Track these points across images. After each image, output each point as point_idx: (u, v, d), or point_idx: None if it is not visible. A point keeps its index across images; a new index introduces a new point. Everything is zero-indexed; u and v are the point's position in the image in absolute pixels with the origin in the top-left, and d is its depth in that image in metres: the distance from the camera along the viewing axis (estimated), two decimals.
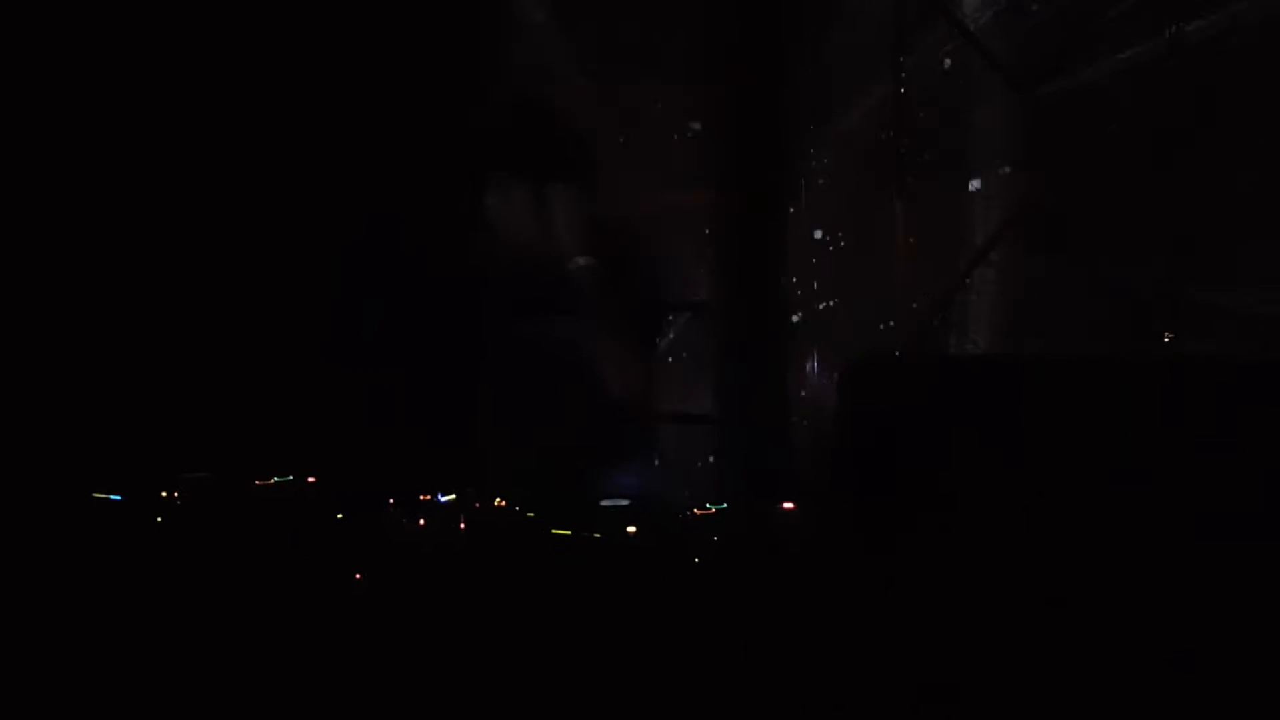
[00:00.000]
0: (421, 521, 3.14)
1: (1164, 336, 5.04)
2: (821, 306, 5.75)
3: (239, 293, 4.55)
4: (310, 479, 3.31)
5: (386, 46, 4.80)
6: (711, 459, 4.75)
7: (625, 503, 3.30)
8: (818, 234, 5.73)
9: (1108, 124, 5.26)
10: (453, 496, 3.25)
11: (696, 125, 5.59)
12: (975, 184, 5.58)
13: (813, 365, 5.63)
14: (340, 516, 3.10)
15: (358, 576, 2.91)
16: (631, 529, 3.13)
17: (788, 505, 3.31)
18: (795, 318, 5.61)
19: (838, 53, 5.60)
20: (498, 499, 3.27)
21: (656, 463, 3.94)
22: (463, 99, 4.83)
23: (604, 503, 3.28)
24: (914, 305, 5.45)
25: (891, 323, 5.48)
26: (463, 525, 3.14)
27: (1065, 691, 2.68)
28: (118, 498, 3.04)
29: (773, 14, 4.76)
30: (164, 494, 3.10)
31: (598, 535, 3.07)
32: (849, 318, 5.70)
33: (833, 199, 5.75)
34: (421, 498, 3.25)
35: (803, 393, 5.43)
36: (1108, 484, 2.87)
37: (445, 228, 4.51)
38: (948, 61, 5.56)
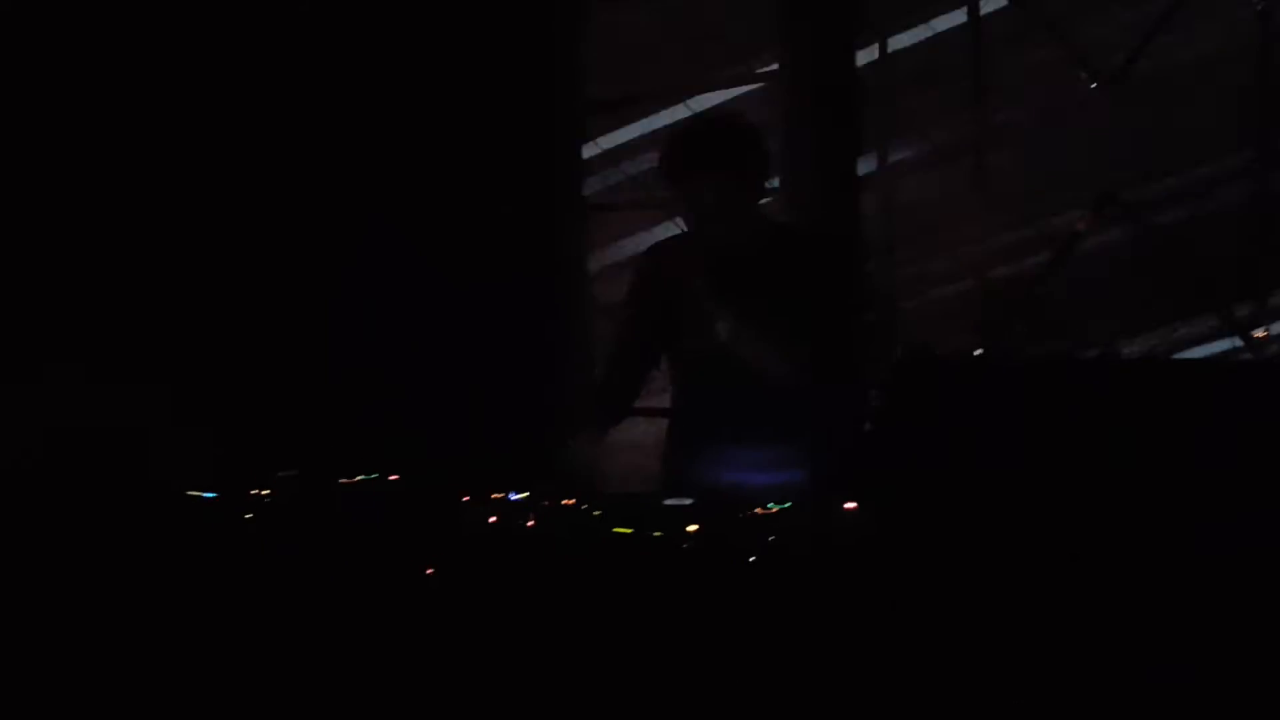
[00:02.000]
0: (493, 518, 3.31)
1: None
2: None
3: (333, 306, 4.73)
4: (392, 477, 3.49)
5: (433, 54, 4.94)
6: None
7: (688, 502, 3.43)
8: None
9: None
10: (525, 495, 3.42)
11: None
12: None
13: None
14: (415, 513, 3.28)
15: (429, 571, 3.09)
16: (692, 528, 3.26)
17: (849, 505, 3.42)
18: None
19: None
20: (567, 498, 3.44)
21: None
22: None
23: (667, 501, 3.42)
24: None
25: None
26: (531, 522, 3.30)
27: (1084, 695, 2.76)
28: (211, 495, 3.24)
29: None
30: (255, 492, 3.30)
31: (658, 534, 3.21)
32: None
33: (906, 192, 5.83)
34: (494, 495, 3.43)
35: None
36: (1148, 486, 2.93)
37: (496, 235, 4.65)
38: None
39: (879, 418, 3.11)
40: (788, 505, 3.40)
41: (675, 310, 3.81)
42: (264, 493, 3.28)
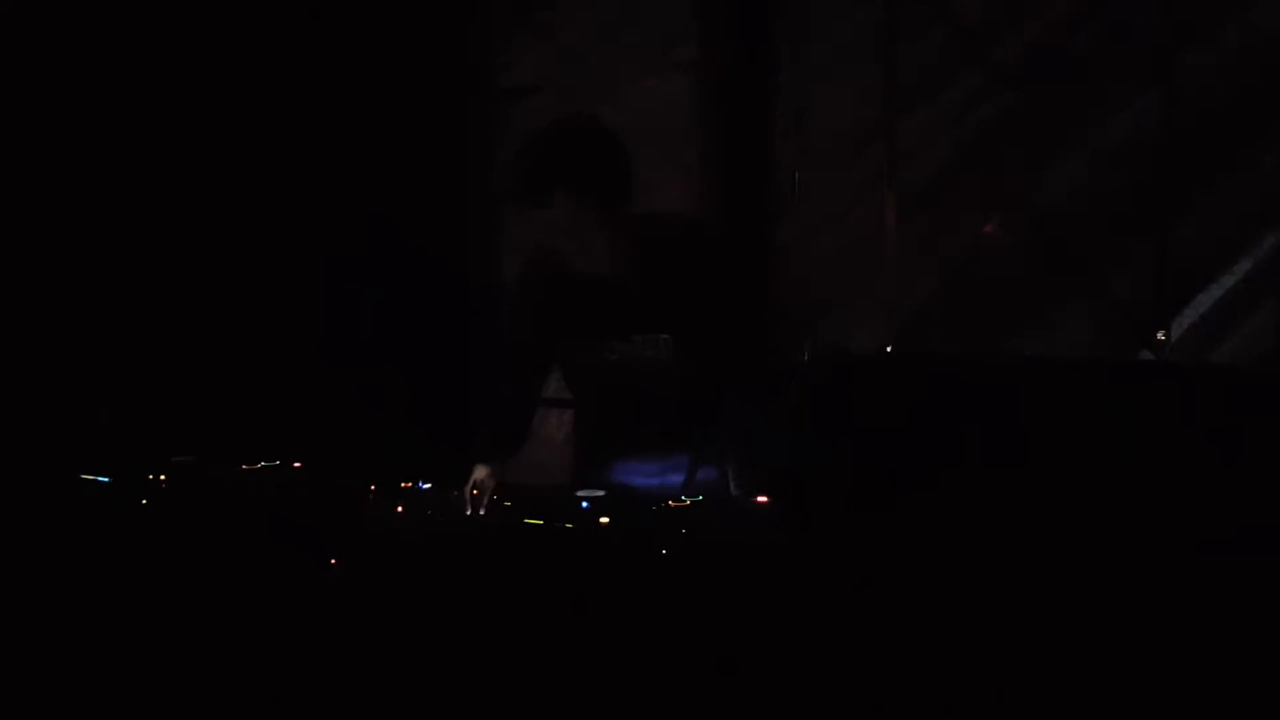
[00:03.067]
0: (400, 508, 3.23)
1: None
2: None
3: (234, 286, 4.65)
4: (296, 464, 3.41)
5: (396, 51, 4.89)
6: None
7: (601, 494, 3.38)
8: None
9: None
10: (430, 485, 3.35)
11: None
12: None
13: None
14: (320, 502, 3.20)
15: (333, 562, 3.00)
16: (604, 519, 3.21)
17: (761, 499, 3.39)
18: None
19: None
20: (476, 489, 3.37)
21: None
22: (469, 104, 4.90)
23: (580, 493, 3.36)
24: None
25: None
26: (436, 512, 3.23)
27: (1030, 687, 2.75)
28: (105, 479, 3.13)
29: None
30: (151, 477, 3.20)
31: (569, 525, 3.15)
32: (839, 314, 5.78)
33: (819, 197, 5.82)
34: (403, 485, 3.35)
35: None
36: (1066, 485, 2.92)
37: (443, 230, 4.61)
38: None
39: (792, 415, 3.07)
40: (700, 499, 3.38)
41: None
42: (160, 478, 3.19)
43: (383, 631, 2.91)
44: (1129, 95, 5.11)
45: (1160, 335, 5.14)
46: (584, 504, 3.25)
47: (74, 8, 4.63)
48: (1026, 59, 5.24)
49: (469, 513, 3.31)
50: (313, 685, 2.90)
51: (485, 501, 3.34)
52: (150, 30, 4.70)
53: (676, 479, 3.52)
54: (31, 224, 4.53)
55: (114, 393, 4.37)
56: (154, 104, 4.72)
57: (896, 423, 2.93)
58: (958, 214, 5.58)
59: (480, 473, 3.37)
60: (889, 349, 5.41)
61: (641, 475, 3.53)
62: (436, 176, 5.23)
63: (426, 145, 5.23)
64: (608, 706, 2.85)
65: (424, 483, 3.36)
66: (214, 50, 4.83)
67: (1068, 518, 2.93)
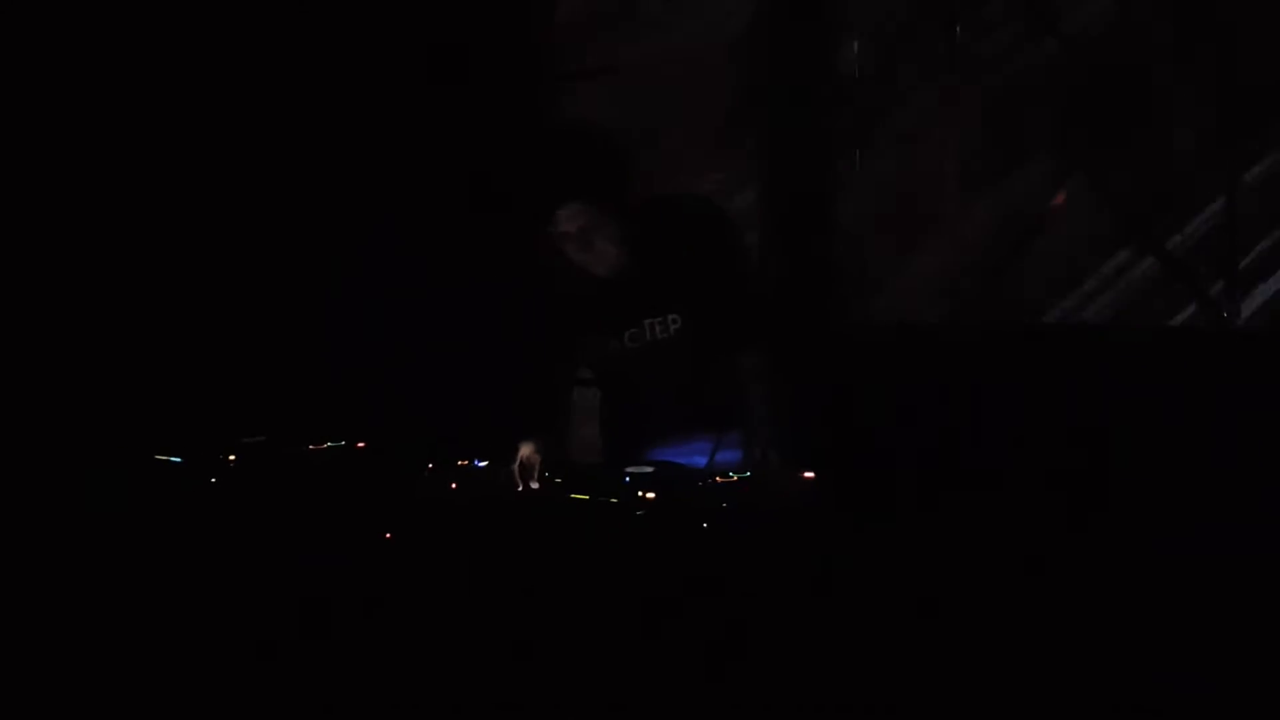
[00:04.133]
0: (453, 485, 3.39)
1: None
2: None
3: (297, 278, 4.82)
4: (359, 444, 3.58)
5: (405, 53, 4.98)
6: None
7: (649, 470, 3.51)
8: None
9: None
10: (485, 463, 3.50)
11: None
12: None
13: None
14: (379, 478, 3.37)
15: (387, 535, 3.17)
16: (649, 495, 3.33)
17: (808, 474, 3.48)
18: None
19: None
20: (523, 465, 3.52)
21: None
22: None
23: (629, 469, 3.48)
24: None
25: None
26: (488, 488, 3.38)
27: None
28: (178, 460, 3.32)
29: None
30: (222, 457, 3.38)
31: (614, 500, 3.29)
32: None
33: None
34: (459, 463, 3.51)
35: None
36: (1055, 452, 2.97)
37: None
38: None
39: (832, 391, 3.17)
40: (747, 474, 3.47)
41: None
42: (229, 457, 3.37)
43: (426, 600, 3.07)
44: None
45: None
46: (627, 479, 3.39)
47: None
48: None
49: (519, 488, 3.47)
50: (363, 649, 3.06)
51: (534, 477, 3.49)
52: (169, 31, 4.82)
53: (701, 458, 3.61)
54: (106, 221, 4.69)
55: (188, 378, 4.56)
56: (189, 103, 4.84)
57: (885, 393, 2.97)
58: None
59: (526, 450, 3.52)
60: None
61: (671, 454, 3.63)
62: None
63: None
64: (644, 675, 2.98)
65: (479, 461, 3.52)
66: (231, 49, 4.95)
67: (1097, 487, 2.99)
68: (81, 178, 4.69)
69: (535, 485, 3.47)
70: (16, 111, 4.65)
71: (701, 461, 3.59)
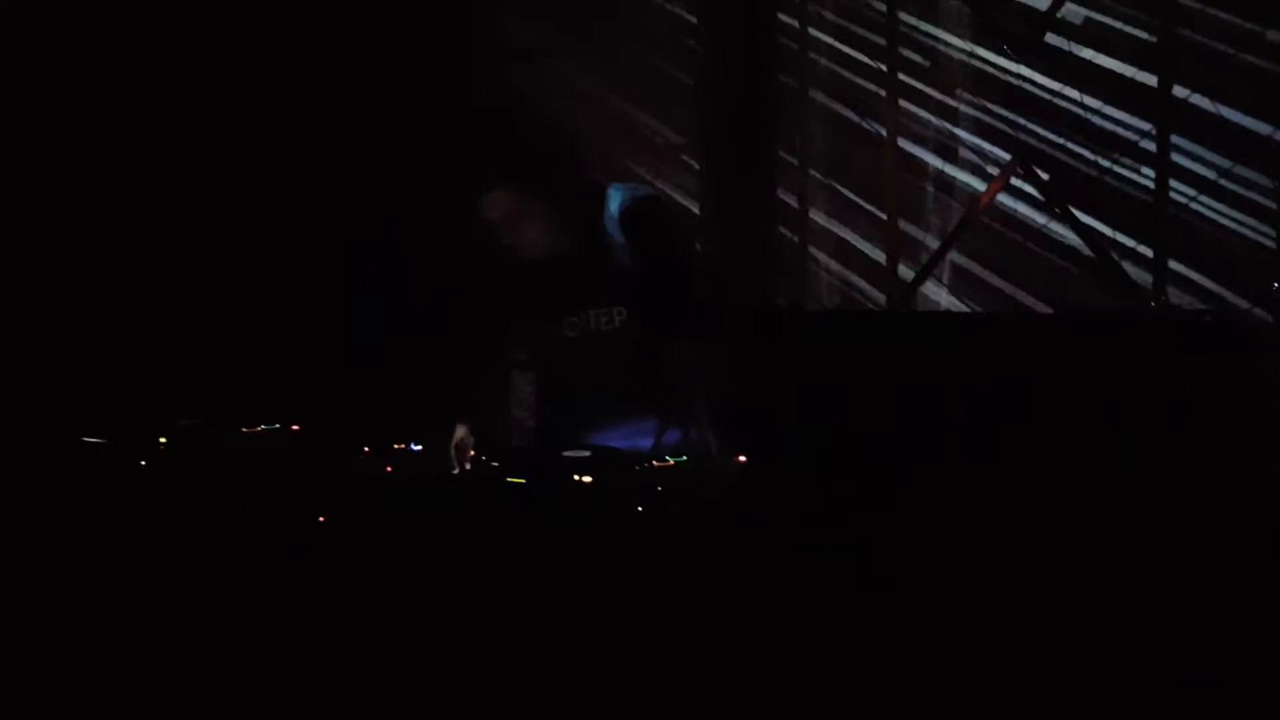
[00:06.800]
0: (389, 468, 3.37)
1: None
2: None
3: (237, 263, 4.80)
4: (294, 427, 3.55)
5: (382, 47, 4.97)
6: None
7: (586, 454, 3.49)
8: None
9: None
10: (420, 447, 3.48)
11: None
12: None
13: None
14: (313, 461, 3.34)
15: (321, 520, 3.15)
16: (586, 479, 3.32)
17: (743, 459, 3.48)
18: None
19: None
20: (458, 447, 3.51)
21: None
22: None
23: (566, 453, 3.47)
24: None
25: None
26: (423, 471, 3.37)
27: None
28: (105, 441, 3.28)
29: None
30: (153, 440, 3.35)
31: (550, 483, 3.28)
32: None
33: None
34: (395, 446, 3.49)
35: None
36: (1002, 439, 2.95)
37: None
38: None
39: (746, 374, 3.13)
40: (683, 459, 3.47)
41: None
42: (160, 441, 3.34)
43: (360, 583, 3.05)
44: None
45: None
46: (565, 463, 3.38)
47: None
48: None
49: (455, 471, 3.45)
50: (307, 633, 3.04)
51: (468, 459, 3.47)
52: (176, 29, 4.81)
53: (645, 442, 3.61)
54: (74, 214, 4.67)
55: (120, 361, 4.52)
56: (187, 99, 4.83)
57: (821, 378, 2.94)
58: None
59: (460, 431, 3.50)
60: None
61: (609, 439, 3.63)
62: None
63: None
64: (583, 658, 2.98)
65: (415, 444, 3.50)
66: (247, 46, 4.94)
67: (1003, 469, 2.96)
68: (47, 171, 4.67)
69: (469, 467, 3.46)
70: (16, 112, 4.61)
71: (646, 445, 3.58)
